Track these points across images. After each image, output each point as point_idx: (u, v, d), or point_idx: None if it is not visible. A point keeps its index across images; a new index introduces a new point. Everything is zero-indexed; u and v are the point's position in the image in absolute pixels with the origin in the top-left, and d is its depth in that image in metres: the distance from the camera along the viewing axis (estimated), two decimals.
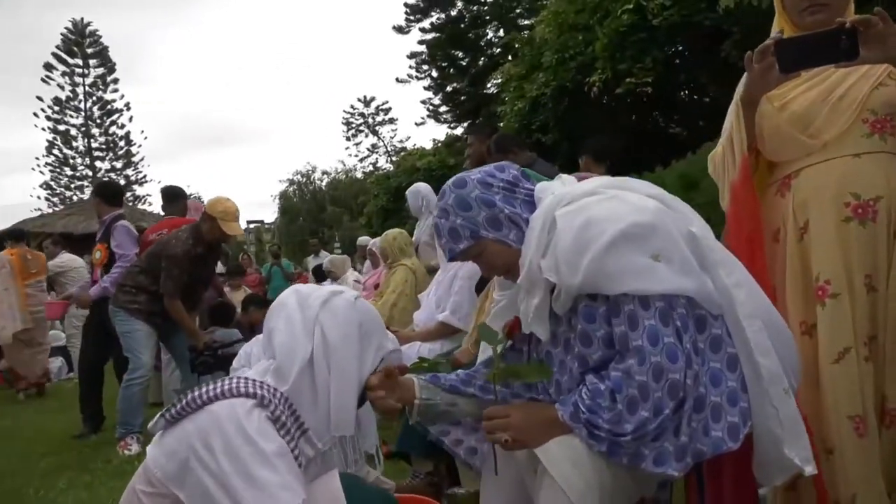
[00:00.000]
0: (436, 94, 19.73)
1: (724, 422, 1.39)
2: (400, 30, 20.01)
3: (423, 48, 19.24)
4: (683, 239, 1.44)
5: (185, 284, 4.25)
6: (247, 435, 1.29)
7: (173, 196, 5.62)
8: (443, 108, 19.70)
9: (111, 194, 5.08)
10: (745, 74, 1.85)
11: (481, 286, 2.99)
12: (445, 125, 19.48)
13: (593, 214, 1.43)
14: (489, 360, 1.65)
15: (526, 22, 15.68)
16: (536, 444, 1.41)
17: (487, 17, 18.25)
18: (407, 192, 4.92)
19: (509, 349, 1.66)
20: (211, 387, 1.38)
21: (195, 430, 1.32)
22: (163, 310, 4.23)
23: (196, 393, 1.37)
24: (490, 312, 1.75)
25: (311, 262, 11.36)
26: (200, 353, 4.42)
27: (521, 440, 1.43)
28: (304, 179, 41.27)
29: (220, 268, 7.27)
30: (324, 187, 40.60)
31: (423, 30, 19.41)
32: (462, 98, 18.23)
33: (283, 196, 41.37)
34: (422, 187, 4.83)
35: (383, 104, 31.12)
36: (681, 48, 8.07)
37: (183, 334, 4.46)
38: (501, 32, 17.84)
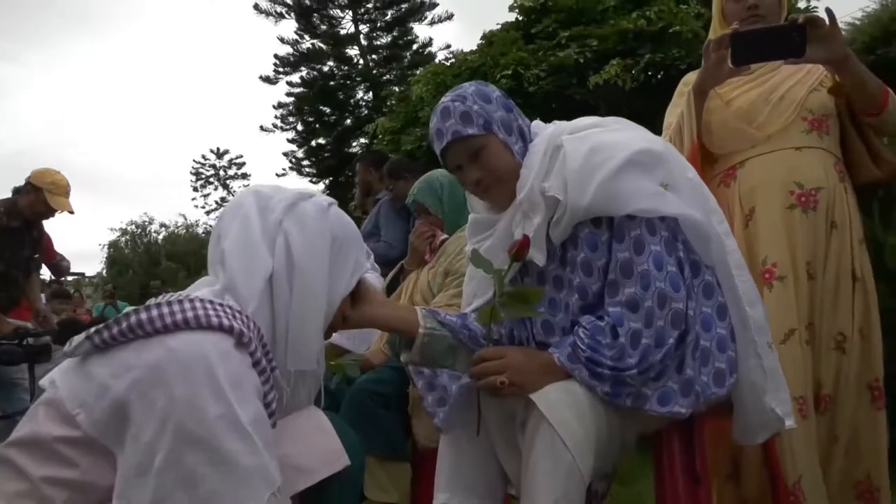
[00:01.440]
0: (300, 147, 19.43)
1: (711, 367, 1.34)
2: (268, 80, 19.70)
3: (290, 100, 19.08)
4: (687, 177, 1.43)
5: None
6: (219, 391, 0.96)
7: None
8: (305, 162, 19.45)
9: None
10: (702, 66, 1.93)
11: (392, 287, 2.84)
12: (307, 178, 19.24)
13: (602, 140, 1.38)
14: (484, 304, 1.47)
15: (396, 89, 16.06)
16: (532, 388, 1.28)
17: (358, 79, 18.51)
18: None
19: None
20: (164, 308, 1.01)
21: (145, 369, 0.97)
22: None
23: (142, 314, 1.00)
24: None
25: None
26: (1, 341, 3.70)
27: (517, 383, 1.29)
28: (139, 230, 38.78)
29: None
30: (160, 240, 38.30)
31: (290, 83, 19.33)
32: (326, 154, 18.13)
33: (113, 246, 38.48)
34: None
35: (237, 158, 30.16)
36: (555, 116, 8.55)
37: None
38: (370, 95, 18.16)
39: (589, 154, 1.35)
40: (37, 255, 3.98)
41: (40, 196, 3.71)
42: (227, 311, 1.04)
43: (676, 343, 1.30)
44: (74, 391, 1.00)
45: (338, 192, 13.90)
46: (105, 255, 35.81)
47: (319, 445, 1.13)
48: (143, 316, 1.00)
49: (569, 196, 1.35)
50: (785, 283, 1.82)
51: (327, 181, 17.63)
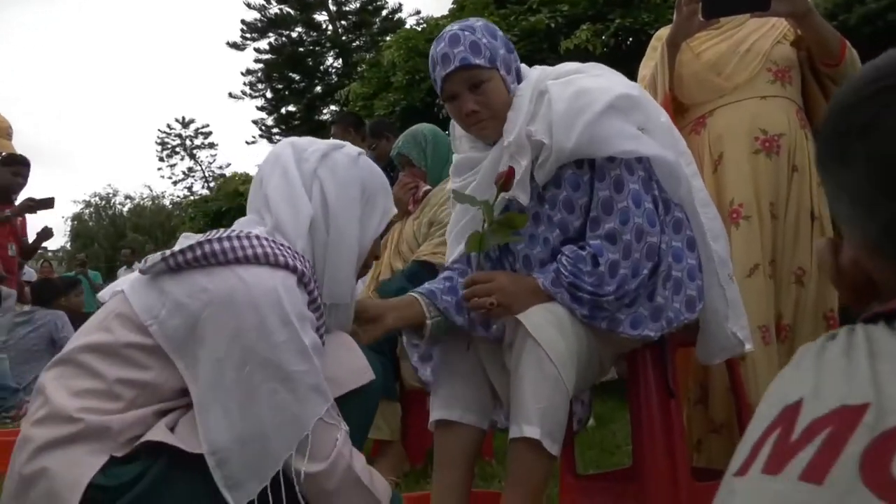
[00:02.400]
0: (269, 114, 19.28)
1: (683, 295, 1.48)
2: (235, 46, 19.42)
3: (259, 67, 18.86)
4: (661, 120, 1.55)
5: None
6: (287, 319, 1.08)
7: (2, 163, 4.85)
8: (275, 130, 19.27)
9: None
10: (674, 19, 2.04)
11: None
12: None
13: (584, 85, 1.48)
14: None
15: (366, 55, 15.96)
16: (518, 309, 1.40)
17: (327, 45, 18.34)
18: None
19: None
20: (235, 241, 1.12)
21: (219, 293, 1.08)
22: None
23: (215, 244, 1.11)
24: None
25: (124, 273, 10.44)
26: None
27: (505, 304, 1.41)
28: (103, 203, 38.11)
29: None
30: (125, 213, 37.72)
31: (258, 50, 19.10)
32: (296, 122, 17.98)
33: (77, 219, 37.78)
34: None
35: (203, 127, 29.68)
36: None
37: None
38: (340, 62, 18.01)
39: (573, 98, 1.45)
40: None
41: None
42: (289, 251, 1.16)
43: (650, 273, 1.43)
44: (147, 305, 1.11)
45: None
46: (69, 229, 35.21)
47: (347, 361, 1.24)
48: (217, 246, 1.11)
49: (554, 139, 1.45)
50: (750, 223, 1.96)
51: None
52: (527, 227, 1.55)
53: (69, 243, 37.15)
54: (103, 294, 1.20)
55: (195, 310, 1.08)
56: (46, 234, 4.80)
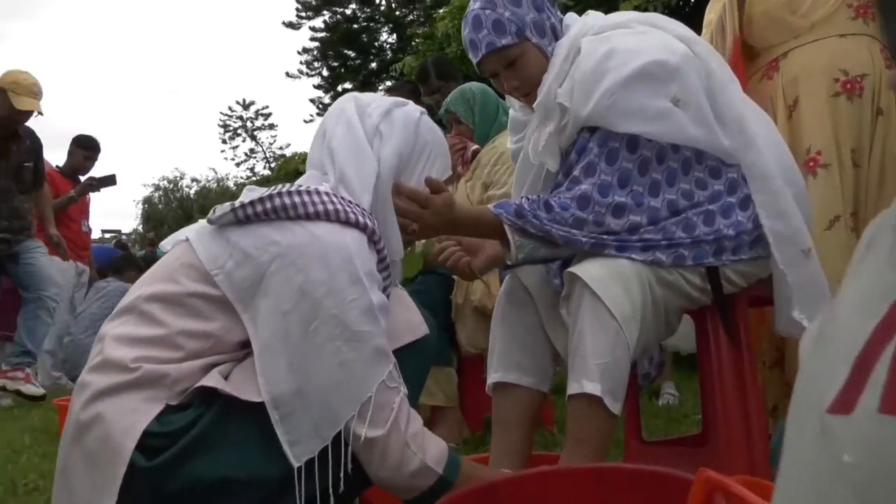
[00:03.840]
0: (326, 92, 19.43)
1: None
2: (291, 25, 19.59)
3: (314, 45, 18.97)
4: (703, 89, 1.41)
5: None
6: (357, 278, 1.05)
7: (76, 144, 4.97)
8: None
9: None
10: None
11: None
12: None
13: (618, 45, 1.37)
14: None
15: (420, 29, 15.87)
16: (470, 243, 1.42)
17: (381, 20, 18.29)
18: None
19: None
20: (305, 197, 1.08)
21: (289, 248, 1.05)
22: None
23: (285, 199, 1.07)
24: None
25: None
26: None
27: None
28: (171, 186, 39.32)
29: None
30: (192, 195, 38.85)
31: (313, 28, 19.18)
32: None
33: (148, 202, 39.10)
34: None
35: (263, 108, 30.10)
36: None
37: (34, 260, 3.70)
38: (394, 37, 17.95)
39: (601, 60, 1.35)
40: (28, 165, 3.80)
41: (6, 99, 3.53)
42: (357, 208, 1.13)
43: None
44: (213, 254, 1.08)
45: None
46: (140, 212, 36.52)
47: (401, 314, 1.19)
48: (287, 200, 1.08)
49: (573, 104, 1.36)
50: (829, 171, 1.81)
51: None
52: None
53: (141, 226, 38.58)
54: (165, 244, 1.19)
55: (263, 262, 1.05)
56: (110, 179, 4.87)
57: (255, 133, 30.70)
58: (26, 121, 3.70)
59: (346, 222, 1.09)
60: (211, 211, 1.12)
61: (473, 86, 2.68)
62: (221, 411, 1.01)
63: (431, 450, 1.11)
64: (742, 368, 1.42)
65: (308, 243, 1.06)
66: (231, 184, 33.57)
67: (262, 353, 1.03)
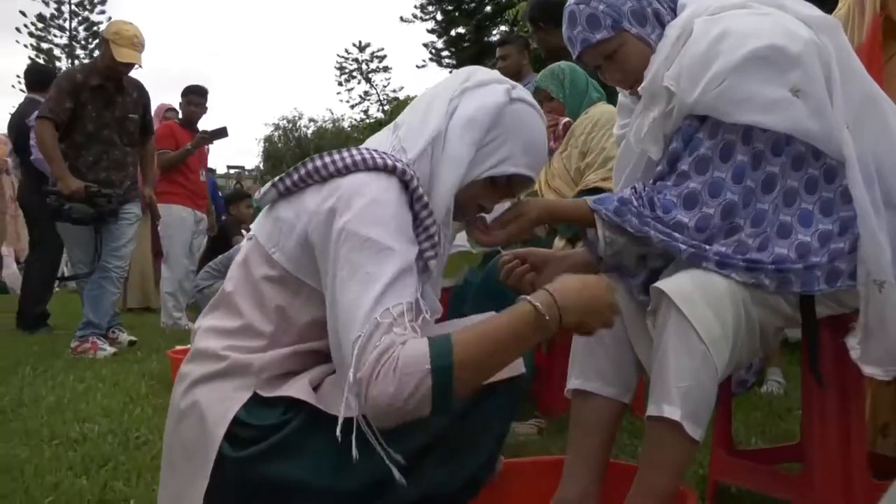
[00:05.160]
0: (439, 37, 19.20)
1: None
2: None
3: None
4: (825, 78, 1.27)
5: (77, 119, 3.59)
6: (380, 220, 1.04)
7: (188, 92, 5.21)
8: (445, 53, 19.21)
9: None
10: None
11: None
12: (447, 69, 19.03)
13: (733, 26, 1.26)
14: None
15: None
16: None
17: None
18: None
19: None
20: (335, 155, 1.10)
21: (319, 207, 1.07)
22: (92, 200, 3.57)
23: (316, 161, 1.11)
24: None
25: None
26: (69, 199, 3.52)
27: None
28: (290, 125, 40.63)
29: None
30: (309, 135, 40.02)
31: None
32: (465, 43, 17.79)
33: (268, 141, 40.67)
34: None
35: (378, 51, 30.26)
36: None
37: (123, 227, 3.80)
38: None
39: (712, 43, 1.25)
40: (133, 116, 3.84)
41: (108, 49, 3.58)
42: (390, 157, 1.11)
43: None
44: (268, 234, 1.12)
45: None
46: (261, 150, 38.12)
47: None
48: (318, 163, 1.10)
49: (679, 89, 1.27)
50: None
51: None
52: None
53: (262, 163, 40.35)
54: (235, 251, 1.23)
55: (302, 226, 1.08)
56: (222, 132, 5.06)
57: (370, 75, 31.04)
58: (128, 72, 3.78)
59: (374, 168, 1.08)
60: (258, 192, 1.14)
61: (561, 63, 2.66)
62: (309, 419, 1.04)
63: (405, 354, 0.95)
64: (848, 396, 1.31)
65: (333, 195, 1.06)
66: (346, 125, 34.30)
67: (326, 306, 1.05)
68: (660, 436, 1.22)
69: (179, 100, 5.33)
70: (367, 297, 0.99)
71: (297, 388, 1.06)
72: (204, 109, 5.24)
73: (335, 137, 36.46)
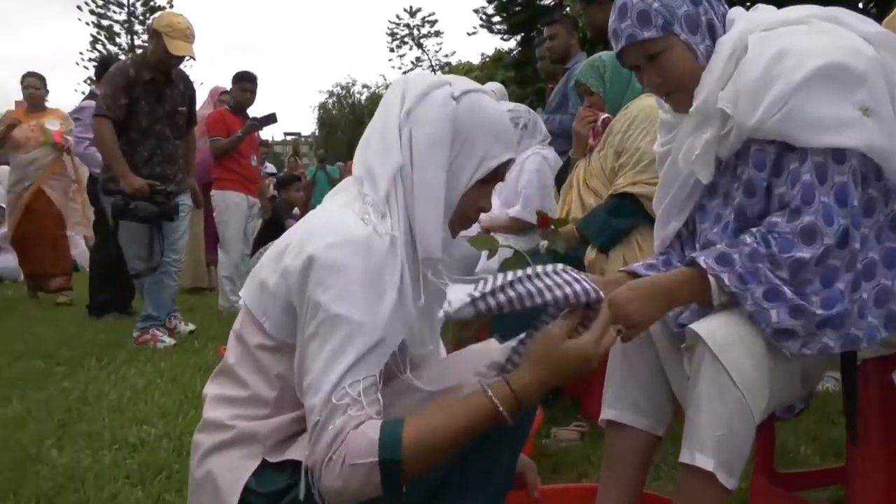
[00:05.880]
0: (490, 2, 18.95)
1: (885, 309, 1.21)
2: None
3: None
4: (890, 96, 1.21)
5: (131, 115, 3.61)
6: (348, 289, 1.02)
7: (238, 79, 5.27)
8: (496, 18, 18.94)
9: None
10: None
11: (561, 178, 2.80)
12: (497, 35, 18.76)
13: (791, 44, 1.19)
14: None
15: None
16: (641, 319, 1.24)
17: None
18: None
19: None
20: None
21: (299, 272, 1.05)
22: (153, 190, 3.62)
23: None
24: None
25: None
26: (134, 199, 3.57)
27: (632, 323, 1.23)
28: (344, 92, 40.84)
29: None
30: (363, 101, 40.16)
31: None
32: (517, 9, 17.47)
33: (322, 108, 41.03)
34: (495, 87, 4.41)
35: (429, 16, 30.11)
36: None
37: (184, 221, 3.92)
38: None
39: (770, 62, 1.19)
40: (182, 109, 3.87)
41: (160, 41, 3.58)
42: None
43: (851, 288, 1.18)
44: (256, 301, 1.12)
45: (528, 50, 13.41)
46: (315, 117, 38.50)
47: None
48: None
49: (737, 111, 1.21)
50: None
51: (518, 38, 17.08)
52: (714, 204, 1.37)
53: (317, 130, 40.78)
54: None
55: (285, 292, 1.07)
56: (271, 118, 5.13)
57: (422, 41, 30.83)
58: (179, 64, 3.80)
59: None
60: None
61: (602, 54, 2.55)
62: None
63: (353, 443, 0.98)
64: (890, 440, 1.27)
65: (313, 262, 1.03)
66: None
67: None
68: (692, 484, 1.20)
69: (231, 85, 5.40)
70: (327, 378, 0.99)
71: (300, 451, 1.06)
72: (254, 96, 5.31)
73: None
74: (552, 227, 2.40)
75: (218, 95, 5.83)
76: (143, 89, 3.66)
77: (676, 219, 1.46)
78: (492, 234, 2.96)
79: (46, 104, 5.75)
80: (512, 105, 3.75)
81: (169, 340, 3.82)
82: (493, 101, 1.20)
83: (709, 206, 1.38)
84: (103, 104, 3.61)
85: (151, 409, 2.55)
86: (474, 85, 1.20)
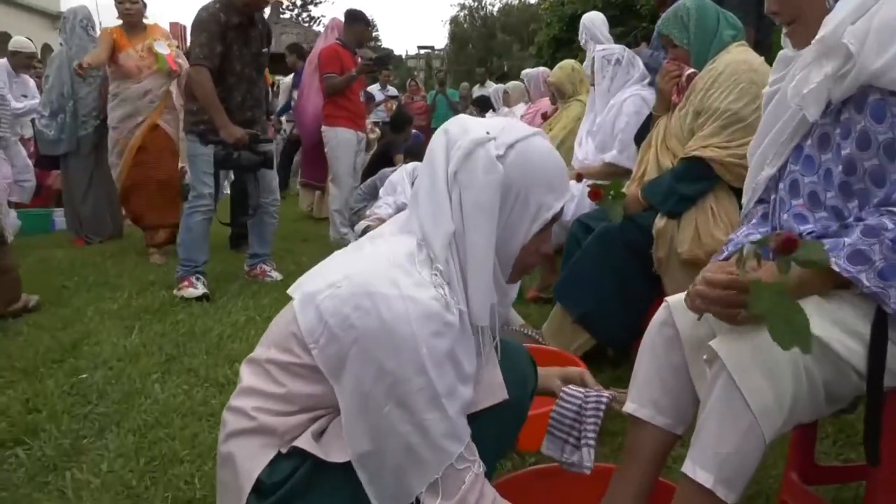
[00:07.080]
0: None
1: None
2: None
3: None
4: None
5: (225, 61, 3.58)
6: (422, 368, 1.06)
7: (351, 19, 5.35)
8: None
9: None
10: None
11: (642, 135, 2.66)
12: None
13: None
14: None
15: None
16: None
17: None
18: (582, 21, 4.33)
19: None
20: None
21: (364, 332, 1.08)
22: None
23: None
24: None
25: (477, 91, 11.07)
26: (236, 148, 3.60)
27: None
28: (476, 4, 39.84)
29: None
30: (495, 13, 39.07)
31: None
32: None
33: (454, 21, 40.34)
34: (595, 17, 4.19)
35: None
36: None
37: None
38: None
39: None
40: (265, 50, 3.86)
41: None
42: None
43: None
44: (310, 327, 1.14)
45: None
46: (447, 32, 38.07)
47: (485, 378, 1.21)
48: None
49: (863, 51, 1.13)
50: None
51: None
52: (808, 145, 1.29)
53: (448, 45, 40.36)
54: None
55: (345, 345, 1.10)
56: (385, 59, 5.24)
57: None
58: (266, 6, 3.80)
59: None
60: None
61: (687, 1, 2.32)
62: (314, 466, 1.15)
63: None
64: None
65: (379, 330, 1.07)
66: (533, 0, 33.00)
67: (348, 425, 1.13)
68: (688, 497, 1.19)
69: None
70: (424, 444, 1.09)
71: (304, 439, 1.16)
72: (365, 32, 5.40)
73: (521, 14, 35.28)
74: (610, 195, 2.32)
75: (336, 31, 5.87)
76: (234, 34, 3.64)
77: (771, 164, 1.37)
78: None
79: (145, 21, 4.74)
80: (606, 45, 3.58)
81: (276, 275, 4.08)
82: (539, 143, 1.19)
83: (804, 145, 1.30)
84: (200, 53, 3.53)
85: (243, 348, 2.76)
86: (518, 132, 1.18)
